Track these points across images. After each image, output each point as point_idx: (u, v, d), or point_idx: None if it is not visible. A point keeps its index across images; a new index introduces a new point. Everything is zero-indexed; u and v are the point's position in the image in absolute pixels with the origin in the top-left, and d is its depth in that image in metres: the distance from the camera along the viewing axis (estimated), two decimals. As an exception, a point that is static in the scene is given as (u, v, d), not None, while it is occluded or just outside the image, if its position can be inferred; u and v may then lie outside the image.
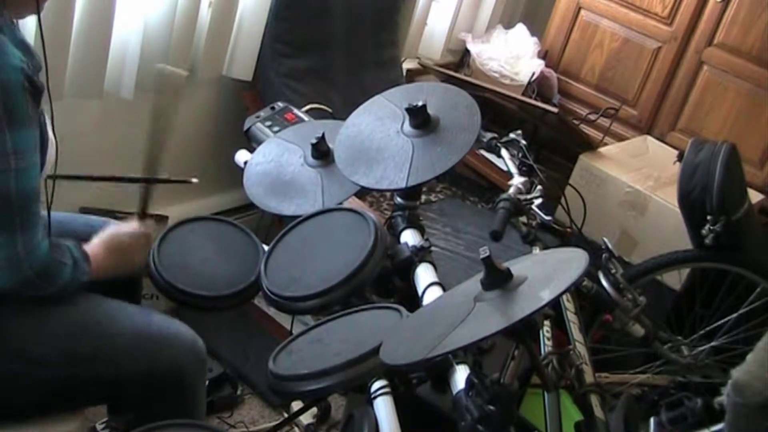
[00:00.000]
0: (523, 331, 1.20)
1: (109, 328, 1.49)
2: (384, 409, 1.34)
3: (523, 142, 2.06)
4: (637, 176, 2.80)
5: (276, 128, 1.95)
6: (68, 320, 1.46)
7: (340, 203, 1.67)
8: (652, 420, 2.10)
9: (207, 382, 2.15)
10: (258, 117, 2.00)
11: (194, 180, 1.77)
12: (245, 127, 1.99)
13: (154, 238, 1.62)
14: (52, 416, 1.49)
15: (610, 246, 1.98)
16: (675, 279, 2.53)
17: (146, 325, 1.53)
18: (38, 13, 1.38)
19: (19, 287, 1.36)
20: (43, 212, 1.44)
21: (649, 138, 3.17)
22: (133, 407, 1.54)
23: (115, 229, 1.58)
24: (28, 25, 1.76)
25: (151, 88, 2.24)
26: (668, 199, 2.63)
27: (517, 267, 1.20)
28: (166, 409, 1.48)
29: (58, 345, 1.43)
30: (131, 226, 1.61)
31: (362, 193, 1.91)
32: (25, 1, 1.36)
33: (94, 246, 1.51)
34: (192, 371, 1.56)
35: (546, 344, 1.74)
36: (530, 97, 3.20)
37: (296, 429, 2.24)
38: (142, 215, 1.64)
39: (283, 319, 2.35)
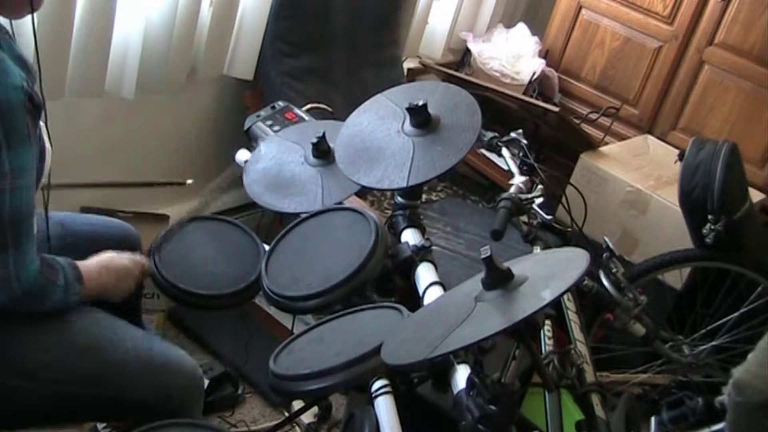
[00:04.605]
0: (525, 330, 1.19)
1: (111, 352, 1.47)
2: (385, 408, 1.34)
3: (524, 141, 2.06)
4: (638, 175, 2.79)
5: (276, 127, 1.95)
6: (70, 339, 1.45)
7: (341, 202, 1.67)
8: (653, 419, 2.10)
9: (208, 382, 2.16)
10: (258, 116, 2.00)
11: (189, 181, 1.77)
12: (246, 126, 1.99)
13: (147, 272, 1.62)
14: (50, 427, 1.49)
15: (611, 245, 1.98)
16: (676, 278, 2.53)
17: (148, 352, 1.51)
18: (32, 12, 1.36)
19: (9, 305, 1.34)
20: (42, 214, 1.43)
21: (650, 137, 3.17)
22: (131, 426, 1.53)
23: (115, 254, 1.57)
24: (26, 28, 1.75)
25: (152, 88, 2.25)
26: (669, 198, 2.62)
27: (518, 267, 1.20)
28: None
29: (59, 364, 1.42)
30: (131, 255, 1.61)
31: (363, 192, 1.91)
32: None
33: (90, 265, 1.49)
34: (190, 400, 1.55)
35: (547, 343, 1.74)
36: (531, 97, 3.20)
37: (297, 428, 2.23)
38: None
39: (284, 319, 2.34)
